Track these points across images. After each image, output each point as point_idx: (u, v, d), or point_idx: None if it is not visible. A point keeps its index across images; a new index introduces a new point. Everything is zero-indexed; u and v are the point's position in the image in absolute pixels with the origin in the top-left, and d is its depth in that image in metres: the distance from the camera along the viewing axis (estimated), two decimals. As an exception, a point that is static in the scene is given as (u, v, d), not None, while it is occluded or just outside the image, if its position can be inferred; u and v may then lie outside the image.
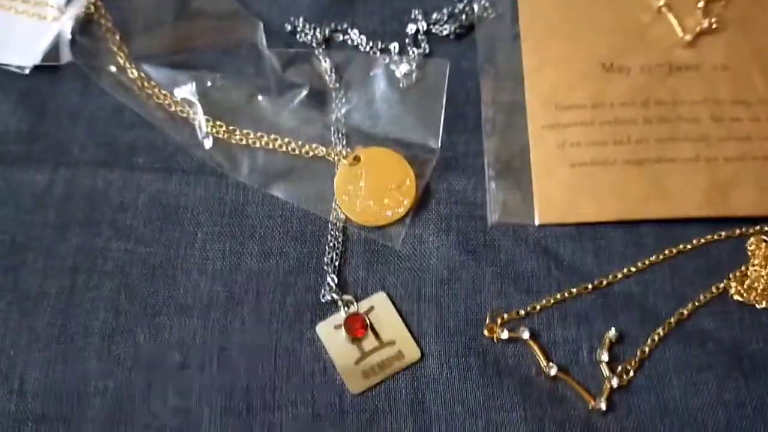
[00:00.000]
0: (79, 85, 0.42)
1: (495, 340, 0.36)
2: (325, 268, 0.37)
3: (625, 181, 0.39)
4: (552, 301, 0.37)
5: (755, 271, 0.38)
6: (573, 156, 0.40)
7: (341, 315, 0.36)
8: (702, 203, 0.39)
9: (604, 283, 0.37)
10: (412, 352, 0.35)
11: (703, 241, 0.38)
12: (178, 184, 0.39)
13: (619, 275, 0.38)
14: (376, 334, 0.36)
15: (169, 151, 0.40)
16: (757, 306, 0.37)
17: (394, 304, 0.37)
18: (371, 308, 0.36)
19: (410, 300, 0.37)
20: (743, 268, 0.38)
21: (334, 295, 0.36)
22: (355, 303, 0.36)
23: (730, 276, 0.38)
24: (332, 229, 0.38)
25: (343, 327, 0.36)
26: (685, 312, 0.37)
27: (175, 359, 0.35)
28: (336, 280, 0.37)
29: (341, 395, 0.35)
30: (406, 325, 0.36)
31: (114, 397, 0.34)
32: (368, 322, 0.36)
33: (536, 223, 0.39)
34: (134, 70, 0.41)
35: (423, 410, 0.34)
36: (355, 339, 0.35)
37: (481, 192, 0.40)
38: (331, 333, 0.36)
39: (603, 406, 0.34)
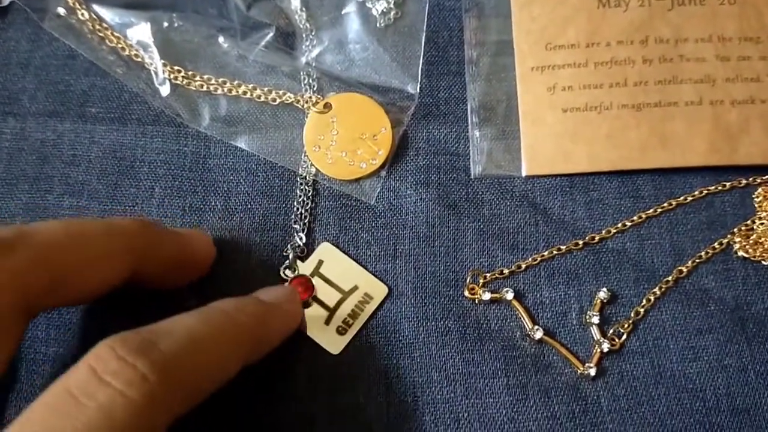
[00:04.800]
0: (29, 30, 0.39)
1: (476, 302, 0.33)
2: (294, 225, 0.34)
3: (621, 128, 0.36)
4: (539, 258, 0.34)
5: (762, 224, 0.34)
6: (565, 100, 0.36)
7: (294, 281, 0.33)
8: (706, 151, 0.35)
9: (597, 238, 0.34)
10: (378, 290, 0.33)
11: (705, 192, 0.35)
12: (134, 136, 0.36)
13: (613, 230, 0.35)
14: (336, 287, 0.33)
15: (124, 100, 0.37)
16: (763, 263, 0.34)
17: (344, 251, 0.34)
18: (320, 263, 0.33)
19: (385, 259, 0.34)
20: (749, 221, 0.35)
21: (290, 257, 0.34)
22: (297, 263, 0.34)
23: (735, 230, 0.35)
24: (301, 183, 0.35)
25: None
26: (684, 269, 0.34)
27: (128, 327, 0.32)
28: (304, 239, 0.34)
29: (311, 363, 0.32)
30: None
31: (62, 363, 0.32)
32: (311, 282, 0.33)
33: (523, 174, 0.36)
34: (84, 11, 0.38)
35: (397, 377, 0.32)
36: (306, 303, 0.33)
37: (463, 141, 0.37)
38: None
39: (592, 372, 0.32)
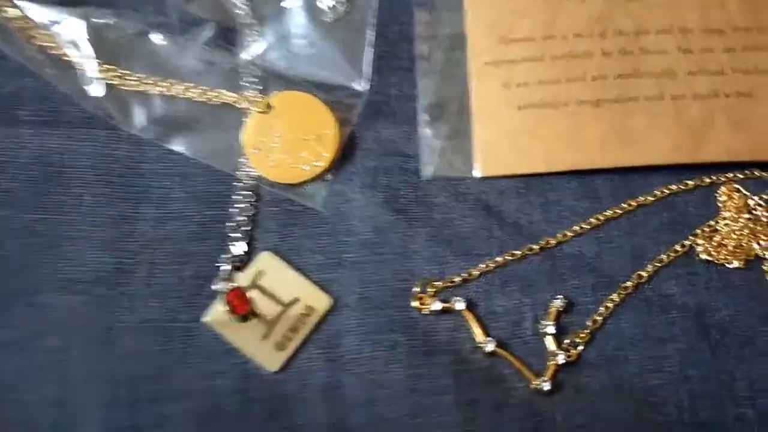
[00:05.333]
0: (-44, 29, 0.37)
1: (425, 313, 0.31)
2: (231, 234, 0.32)
3: (579, 125, 0.34)
4: (492, 265, 0.32)
5: (726, 225, 0.33)
6: (520, 97, 0.34)
7: (228, 294, 0.31)
8: (668, 148, 0.34)
9: (553, 243, 0.33)
10: (321, 302, 0.31)
11: (666, 192, 0.34)
12: (64, 140, 0.34)
13: (570, 234, 0.33)
14: (276, 299, 0.31)
15: (56, 102, 0.35)
16: (727, 266, 0.32)
17: (286, 261, 0.32)
18: (259, 273, 0.31)
19: (330, 268, 0.32)
20: (712, 222, 0.33)
21: (227, 267, 0.31)
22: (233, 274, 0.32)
23: (697, 232, 0.33)
24: (241, 188, 0.33)
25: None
26: (645, 274, 0.32)
27: (53, 343, 0.30)
28: (245, 248, 0.32)
29: (247, 380, 0.30)
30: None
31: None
32: (247, 294, 0.31)
33: (477, 175, 0.34)
34: (11, 9, 0.35)
35: (340, 395, 0.30)
36: (244, 316, 0.31)
37: (414, 141, 0.35)
38: (222, 318, 0.31)
39: (547, 386, 0.30)
